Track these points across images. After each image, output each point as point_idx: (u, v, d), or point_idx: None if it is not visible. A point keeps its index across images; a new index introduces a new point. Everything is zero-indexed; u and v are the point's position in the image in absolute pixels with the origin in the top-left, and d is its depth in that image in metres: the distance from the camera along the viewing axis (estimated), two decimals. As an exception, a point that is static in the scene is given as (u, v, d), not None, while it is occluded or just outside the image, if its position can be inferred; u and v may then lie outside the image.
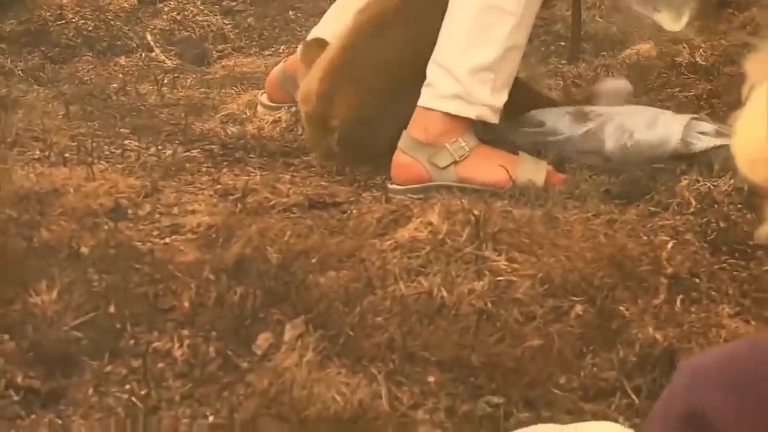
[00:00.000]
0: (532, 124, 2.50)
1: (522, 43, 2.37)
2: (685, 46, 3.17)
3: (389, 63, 2.49)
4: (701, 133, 2.39)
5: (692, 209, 2.16)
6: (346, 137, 2.50)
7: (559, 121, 2.47)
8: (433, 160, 2.35)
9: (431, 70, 2.37)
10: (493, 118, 2.38)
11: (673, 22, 2.55)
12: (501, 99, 2.37)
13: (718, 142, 2.37)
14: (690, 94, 2.87)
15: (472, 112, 2.36)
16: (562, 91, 2.80)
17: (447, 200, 2.20)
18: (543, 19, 3.25)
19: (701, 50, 3.11)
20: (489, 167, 2.35)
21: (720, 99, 2.79)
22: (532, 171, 2.35)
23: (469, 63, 2.33)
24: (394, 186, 2.37)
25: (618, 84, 2.76)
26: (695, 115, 2.44)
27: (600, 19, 3.64)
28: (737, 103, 2.79)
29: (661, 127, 2.39)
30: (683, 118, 2.41)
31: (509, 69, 2.37)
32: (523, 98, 2.52)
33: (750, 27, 3.41)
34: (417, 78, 2.39)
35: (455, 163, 2.36)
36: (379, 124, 2.46)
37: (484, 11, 2.33)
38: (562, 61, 3.34)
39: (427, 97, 2.37)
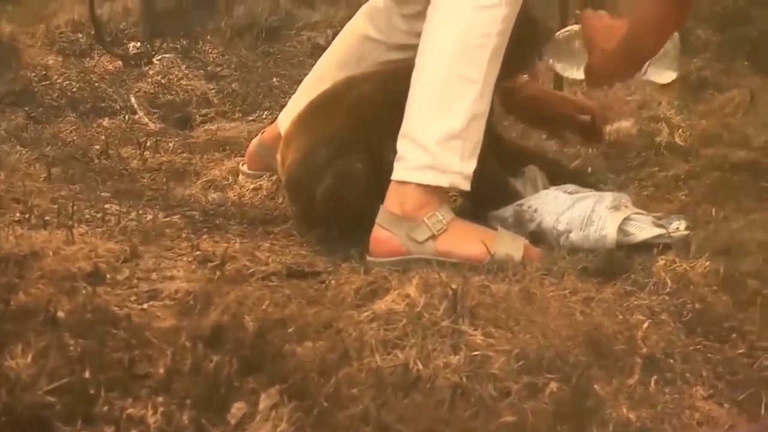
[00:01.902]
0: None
1: (485, 110, 2.40)
2: (665, 125, 3.21)
3: (346, 116, 2.53)
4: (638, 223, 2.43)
5: (668, 290, 2.17)
6: (290, 181, 2.54)
7: (503, 224, 2.51)
8: (411, 234, 2.37)
9: (401, 144, 2.40)
10: (465, 185, 2.40)
11: (662, 77, 2.59)
12: (471, 166, 2.40)
13: (657, 231, 2.40)
14: (669, 174, 2.90)
15: (445, 181, 2.38)
16: None
17: (425, 273, 2.21)
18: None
19: (680, 130, 3.15)
20: (467, 241, 2.37)
21: (698, 180, 2.81)
22: (510, 246, 2.36)
23: (437, 133, 2.37)
24: (372, 259, 2.39)
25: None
26: (630, 212, 2.46)
27: (581, 96, 3.67)
28: (716, 185, 2.82)
29: (596, 229, 2.43)
30: (618, 217, 2.43)
31: (476, 136, 2.40)
32: (492, 187, 2.58)
33: (729, 108, 3.45)
34: (371, 138, 2.45)
35: (433, 237, 2.37)
36: (322, 175, 2.48)
37: (448, 81, 2.37)
38: (543, 136, 3.37)
39: (400, 171, 2.39)
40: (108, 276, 2.24)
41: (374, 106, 2.52)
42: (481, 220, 2.52)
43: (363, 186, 2.46)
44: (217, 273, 2.29)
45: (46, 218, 2.50)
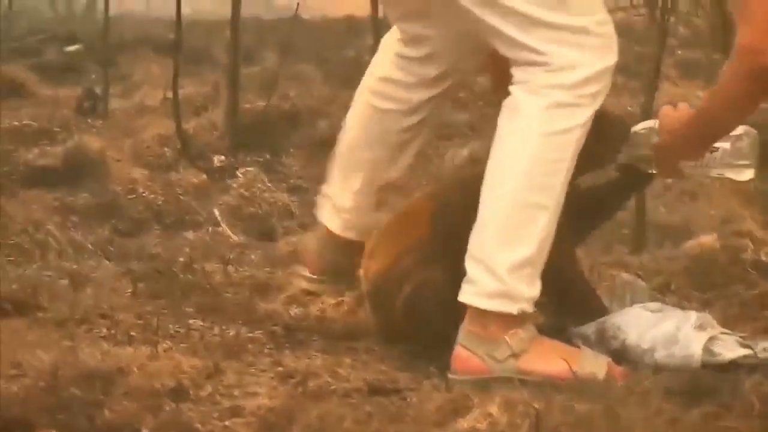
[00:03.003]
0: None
1: (553, 229, 2.38)
2: (750, 241, 3.17)
3: (429, 226, 2.55)
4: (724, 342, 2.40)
5: (756, 412, 2.13)
6: (373, 289, 2.56)
7: (586, 341, 2.49)
8: (491, 353, 2.36)
9: (470, 265, 2.38)
10: (531, 309, 2.40)
11: (739, 174, 2.57)
12: (537, 289, 2.38)
13: (743, 352, 2.37)
14: (755, 292, 2.85)
15: (514, 308, 2.36)
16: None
17: (507, 392, 2.19)
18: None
19: (767, 247, 3.10)
20: (550, 360, 2.35)
21: (786, 301, 2.77)
22: (593, 364, 2.34)
23: (508, 260, 2.35)
24: (454, 377, 2.38)
25: (632, 282, 2.77)
26: (716, 332, 2.43)
27: (663, 209, 3.66)
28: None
29: (681, 348, 2.40)
30: (703, 336, 2.40)
31: (543, 257, 2.38)
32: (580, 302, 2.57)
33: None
34: (454, 247, 2.43)
35: (515, 355, 2.36)
36: (404, 283, 2.49)
37: (520, 210, 2.36)
38: (625, 250, 3.35)
39: (469, 295, 2.38)
40: (191, 392, 2.25)
41: (457, 215, 2.52)
42: (563, 337, 2.50)
43: (444, 294, 2.46)
44: (299, 389, 2.29)
45: (132, 334, 2.53)
